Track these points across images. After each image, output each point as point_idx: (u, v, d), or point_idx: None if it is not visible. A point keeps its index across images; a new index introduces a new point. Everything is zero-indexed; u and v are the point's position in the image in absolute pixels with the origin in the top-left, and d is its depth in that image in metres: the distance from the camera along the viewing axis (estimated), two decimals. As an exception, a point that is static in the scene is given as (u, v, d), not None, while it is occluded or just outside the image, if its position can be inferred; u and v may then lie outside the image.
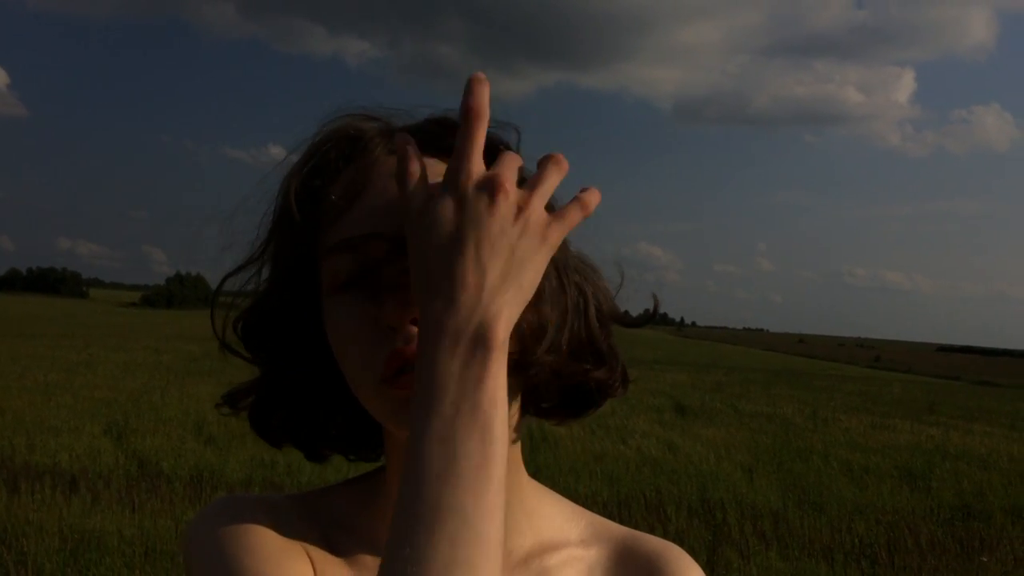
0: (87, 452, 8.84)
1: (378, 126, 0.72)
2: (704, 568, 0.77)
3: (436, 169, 0.64)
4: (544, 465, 9.20)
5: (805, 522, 7.69)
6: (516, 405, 0.72)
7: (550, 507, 0.78)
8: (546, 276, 0.66)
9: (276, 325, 0.71)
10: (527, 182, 0.61)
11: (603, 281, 0.75)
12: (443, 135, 0.69)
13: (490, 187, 0.58)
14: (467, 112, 0.59)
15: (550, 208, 0.61)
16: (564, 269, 0.69)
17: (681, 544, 0.79)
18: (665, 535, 0.79)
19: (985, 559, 6.76)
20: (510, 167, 0.60)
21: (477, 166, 0.59)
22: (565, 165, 0.63)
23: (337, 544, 0.71)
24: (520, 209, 0.58)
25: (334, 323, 0.67)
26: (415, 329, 0.62)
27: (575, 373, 0.70)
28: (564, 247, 0.70)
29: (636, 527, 0.80)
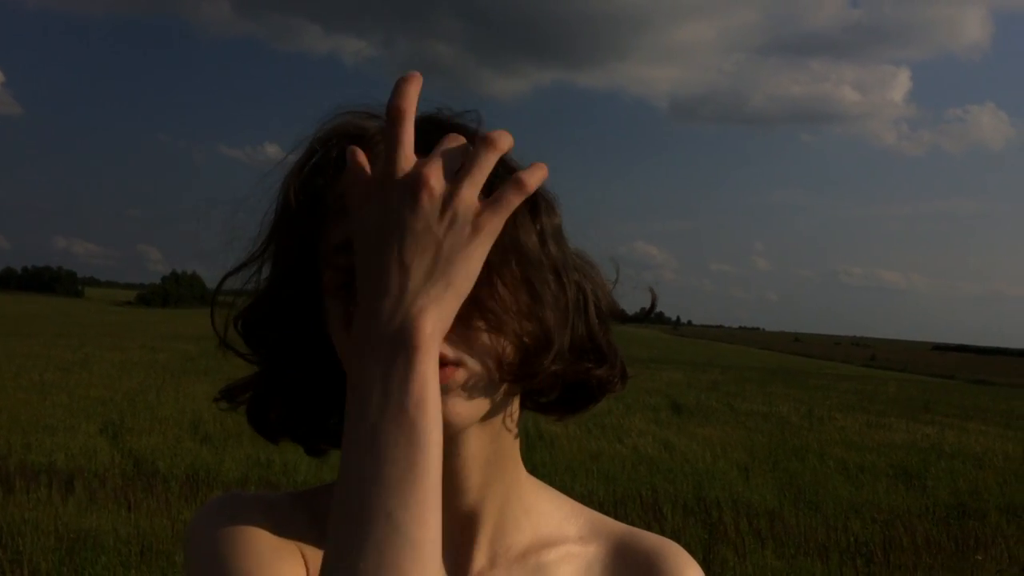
0: (83, 451, 8.82)
1: (379, 124, 0.71)
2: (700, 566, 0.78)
3: None
4: (540, 464, 9.20)
5: (801, 521, 7.71)
6: (516, 401, 0.72)
7: (548, 503, 0.78)
8: (544, 280, 0.66)
9: (277, 322, 0.72)
10: (459, 171, 0.59)
11: (601, 277, 0.75)
12: (432, 132, 0.69)
13: (412, 184, 0.57)
14: (389, 112, 0.59)
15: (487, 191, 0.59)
16: (564, 268, 0.69)
17: (677, 542, 0.79)
18: (661, 534, 0.79)
19: (980, 557, 6.77)
20: (436, 160, 0.58)
21: (402, 165, 0.58)
22: (502, 143, 0.60)
23: None
24: (447, 202, 0.57)
25: (336, 321, 0.67)
26: None
27: (577, 372, 0.70)
28: (563, 245, 0.70)
29: (632, 525, 0.80)
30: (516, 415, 0.72)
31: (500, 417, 0.70)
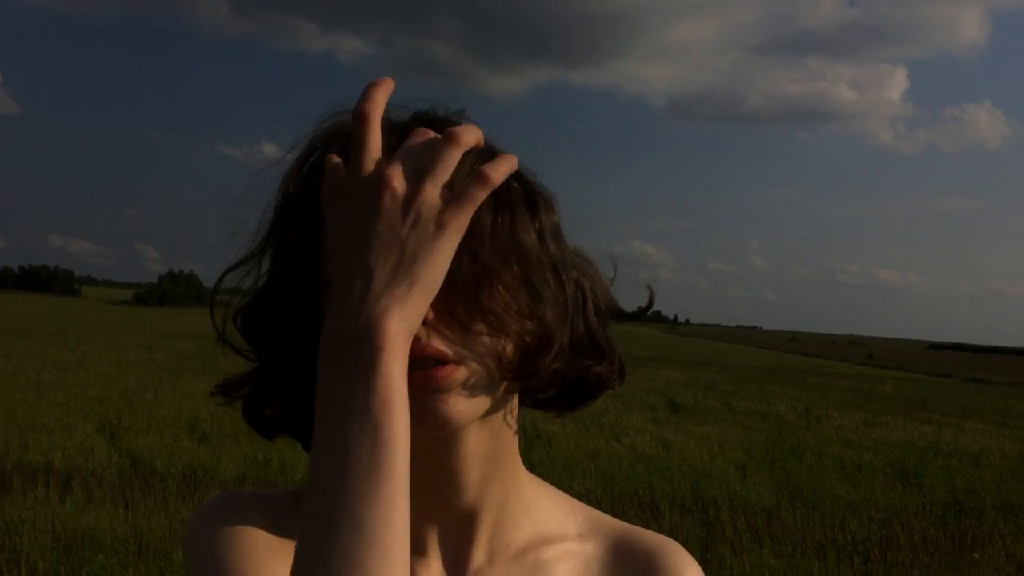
0: (80, 450, 8.82)
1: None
2: (697, 564, 0.78)
3: None
4: (538, 462, 9.21)
5: (798, 519, 7.72)
6: (515, 398, 0.72)
7: (547, 501, 0.78)
8: (544, 279, 0.66)
9: (277, 319, 0.72)
10: (422, 169, 0.58)
11: (599, 275, 0.75)
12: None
13: (375, 186, 0.57)
14: (354, 115, 0.60)
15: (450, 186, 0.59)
16: (563, 266, 0.69)
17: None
18: (658, 532, 0.79)
19: (977, 555, 6.79)
20: (399, 160, 0.59)
21: (367, 167, 0.58)
22: (465, 138, 0.60)
23: None
24: (410, 201, 0.57)
25: None
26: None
27: (576, 369, 0.70)
28: (562, 243, 0.70)
29: (629, 524, 0.80)
30: (516, 412, 0.72)
31: (500, 414, 0.70)
